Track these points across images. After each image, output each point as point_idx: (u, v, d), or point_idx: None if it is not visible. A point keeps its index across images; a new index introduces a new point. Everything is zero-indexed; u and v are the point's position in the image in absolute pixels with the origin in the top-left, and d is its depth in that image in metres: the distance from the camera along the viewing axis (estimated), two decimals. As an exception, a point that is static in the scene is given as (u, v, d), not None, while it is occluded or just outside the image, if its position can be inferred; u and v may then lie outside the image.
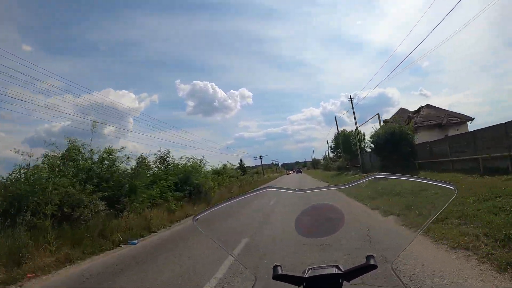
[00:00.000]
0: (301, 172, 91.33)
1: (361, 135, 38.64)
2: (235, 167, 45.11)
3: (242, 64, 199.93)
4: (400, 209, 7.74)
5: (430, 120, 25.86)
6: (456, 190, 0.86)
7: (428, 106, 28.10)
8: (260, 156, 78.93)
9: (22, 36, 73.81)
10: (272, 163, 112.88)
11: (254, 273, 1.03)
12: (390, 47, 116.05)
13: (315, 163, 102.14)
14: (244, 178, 38.78)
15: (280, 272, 0.91)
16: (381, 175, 0.97)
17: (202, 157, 22.18)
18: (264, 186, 1.07)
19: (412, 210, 7.19)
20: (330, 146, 61.14)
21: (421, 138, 21.80)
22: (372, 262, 0.86)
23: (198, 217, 0.94)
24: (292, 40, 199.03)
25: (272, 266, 0.93)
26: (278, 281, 0.90)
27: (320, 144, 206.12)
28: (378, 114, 25.18)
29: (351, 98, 32.78)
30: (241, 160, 70.58)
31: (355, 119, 32.63)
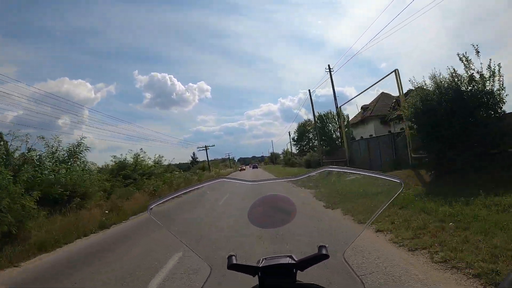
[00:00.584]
0: (257, 167, 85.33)
1: (345, 118, 28.70)
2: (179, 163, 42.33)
3: (202, 57, 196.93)
4: (349, 202, 8.16)
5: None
6: (403, 184, 0.89)
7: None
8: (206, 146, 60.42)
9: None
10: (227, 157, 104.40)
11: (209, 264, 1.03)
12: (349, 47, 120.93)
13: (274, 158, 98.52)
14: (180, 176, 29.28)
15: (234, 261, 0.91)
16: (330, 168, 0.99)
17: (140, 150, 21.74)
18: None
19: (361, 204, 7.62)
20: (293, 138, 55.92)
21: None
22: (324, 252, 0.88)
23: (152, 206, 0.92)
24: (253, 36, 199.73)
25: (227, 256, 0.93)
26: (233, 271, 0.90)
27: (276, 139, 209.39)
28: (396, 70, 15.27)
29: (309, 92, 31.46)
30: (194, 154, 66.26)
31: (312, 110, 31.92)
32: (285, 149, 71.47)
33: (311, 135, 50.26)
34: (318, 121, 34.06)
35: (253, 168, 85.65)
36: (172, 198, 0.98)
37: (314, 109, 33.20)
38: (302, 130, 52.95)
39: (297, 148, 54.69)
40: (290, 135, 58.38)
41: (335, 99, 25.87)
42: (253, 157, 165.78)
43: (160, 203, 0.93)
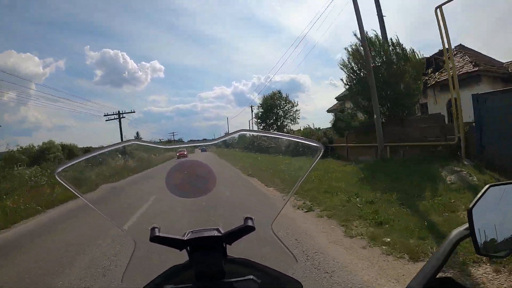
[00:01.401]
0: (205, 151, 78.05)
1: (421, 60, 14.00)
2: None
3: (155, 35, 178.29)
4: (271, 170, 8.50)
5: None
6: (323, 148, 0.87)
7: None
8: (119, 113, 36.54)
9: None
10: (171, 137, 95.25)
11: (132, 237, 0.96)
12: (306, 35, 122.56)
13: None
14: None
15: (157, 233, 0.85)
16: (246, 131, 0.97)
17: None
18: None
19: (283, 171, 8.02)
20: (256, 115, 47.03)
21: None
22: (250, 223, 0.86)
23: (59, 169, 0.80)
24: (208, 16, 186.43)
25: (149, 228, 0.87)
26: (160, 246, 0.85)
27: (232, 121, 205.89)
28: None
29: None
30: (137, 133, 56.26)
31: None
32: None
33: (280, 112, 45.64)
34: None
35: (202, 151, 78.81)
36: (81, 160, 0.87)
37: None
38: (269, 104, 45.70)
39: (262, 127, 46.43)
40: (252, 110, 49.73)
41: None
42: (205, 140, 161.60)
43: (69, 166, 0.82)
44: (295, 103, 46.38)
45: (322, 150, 0.86)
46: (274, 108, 45.90)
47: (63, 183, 0.81)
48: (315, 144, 0.87)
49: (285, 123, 46.01)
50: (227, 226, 0.89)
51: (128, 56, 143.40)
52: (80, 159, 0.85)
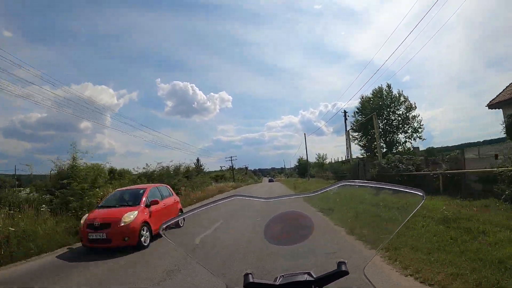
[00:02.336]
0: (273, 181, 79.31)
1: None
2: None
3: (223, 67, 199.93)
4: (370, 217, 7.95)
5: None
6: (424, 196, 0.86)
7: None
8: (231, 158, 68.76)
9: (4, 21, 70.78)
10: (244, 167, 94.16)
11: (225, 282, 1.01)
12: (372, 60, 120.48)
13: (304, 167, 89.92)
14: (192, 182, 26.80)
15: (251, 280, 0.89)
16: (349, 182, 0.96)
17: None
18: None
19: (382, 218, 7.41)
20: (354, 125, 34.13)
21: None
22: (343, 268, 0.86)
23: (164, 226, 0.92)
24: (275, 46, 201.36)
25: (243, 274, 0.91)
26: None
27: (294, 151, 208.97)
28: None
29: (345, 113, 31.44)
30: (198, 160, 53.16)
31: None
32: (319, 155, 66.63)
33: (392, 117, 31.73)
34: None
35: (269, 181, 79.42)
36: (186, 216, 0.99)
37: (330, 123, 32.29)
38: (373, 107, 31.35)
39: (362, 143, 35.27)
40: (345, 115, 33.58)
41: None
42: (272, 169, 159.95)
43: (172, 223, 0.94)
44: (412, 104, 32.39)
45: (424, 199, 0.84)
46: (381, 111, 31.60)
47: (167, 238, 0.92)
48: (418, 193, 0.85)
49: (398, 137, 33.43)
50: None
51: (197, 88, 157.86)
52: (183, 216, 0.96)
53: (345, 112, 34.35)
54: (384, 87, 33.20)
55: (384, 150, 30.87)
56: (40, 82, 32.65)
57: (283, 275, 0.90)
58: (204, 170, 46.16)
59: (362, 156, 33.81)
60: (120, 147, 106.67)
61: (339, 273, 0.86)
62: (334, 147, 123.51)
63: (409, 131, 33.00)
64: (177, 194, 15.85)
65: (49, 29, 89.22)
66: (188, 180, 26.11)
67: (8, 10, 70.21)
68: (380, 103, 32.65)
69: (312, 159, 68.66)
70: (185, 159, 62.97)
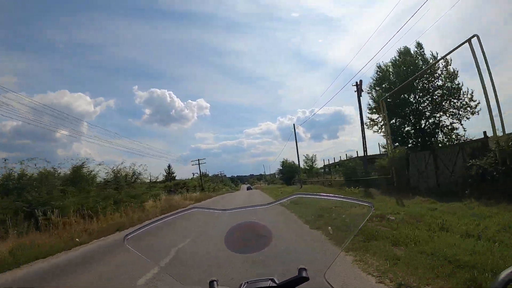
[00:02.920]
0: (251, 189, 73.53)
1: None
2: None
3: (201, 74, 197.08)
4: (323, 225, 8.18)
5: None
6: (373, 207, 0.95)
7: None
8: (198, 160, 55.91)
9: None
10: (219, 174, 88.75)
11: None
12: (349, 66, 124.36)
13: (294, 171, 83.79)
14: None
15: (216, 287, 0.92)
16: (300, 194, 1.05)
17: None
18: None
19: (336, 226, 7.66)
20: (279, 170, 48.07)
21: None
22: (304, 274, 0.91)
23: (128, 237, 0.93)
24: (252, 54, 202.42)
25: (208, 281, 0.94)
26: None
27: (272, 158, 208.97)
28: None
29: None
30: (169, 166, 53.84)
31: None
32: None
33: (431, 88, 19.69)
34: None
35: (247, 189, 72.75)
36: (148, 228, 1.00)
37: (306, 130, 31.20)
38: (404, 70, 20.58)
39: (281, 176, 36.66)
40: (359, 86, 25.53)
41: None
42: (251, 175, 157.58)
43: (137, 233, 0.95)
44: (455, 71, 19.57)
45: (373, 210, 0.93)
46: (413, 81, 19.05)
47: (131, 248, 0.94)
48: (367, 204, 0.94)
49: (442, 118, 20.41)
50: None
51: (175, 95, 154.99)
52: (146, 227, 0.98)
53: (359, 83, 25.49)
54: (413, 48, 21.24)
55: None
56: (15, 90, 29.79)
57: (247, 282, 0.94)
58: (175, 177, 47.06)
59: (384, 149, 22.51)
60: (96, 156, 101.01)
61: (300, 279, 0.90)
62: (314, 152, 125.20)
63: (458, 108, 19.66)
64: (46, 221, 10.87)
65: (25, 37, 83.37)
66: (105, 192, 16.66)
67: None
68: (412, 67, 20.55)
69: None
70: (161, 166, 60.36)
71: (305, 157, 52.65)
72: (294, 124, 43.25)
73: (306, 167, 51.44)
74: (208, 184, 58.21)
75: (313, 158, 52.51)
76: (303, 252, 5.93)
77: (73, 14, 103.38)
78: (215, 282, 0.95)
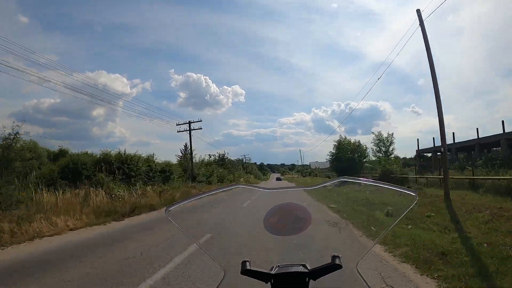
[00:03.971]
0: (280, 180, 70.33)
1: None
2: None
3: (237, 61, 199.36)
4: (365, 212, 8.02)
5: None
6: (417, 196, 0.89)
7: None
8: (189, 122, 29.92)
9: (19, 6, 70.37)
10: (243, 158, 69.77)
11: (223, 267, 1.05)
12: (386, 62, 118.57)
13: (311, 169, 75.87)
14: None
15: (248, 267, 0.93)
16: (346, 178, 1.00)
17: None
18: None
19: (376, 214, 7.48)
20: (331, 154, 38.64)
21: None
22: (337, 262, 0.89)
23: (170, 209, 0.96)
24: (289, 44, 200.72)
25: (240, 261, 0.95)
26: (246, 277, 0.92)
27: (305, 149, 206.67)
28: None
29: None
30: (186, 146, 36.24)
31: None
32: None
33: None
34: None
35: (276, 180, 70.06)
36: (191, 200, 1.01)
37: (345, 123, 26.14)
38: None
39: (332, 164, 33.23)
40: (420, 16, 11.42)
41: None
42: (282, 165, 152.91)
43: (177, 206, 0.97)
44: None
45: (417, 199, 0.87)
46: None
47: (171, 221, 0.96)
48: (411, 193, 0.89)
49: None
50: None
51: (210, 80, 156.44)
52: (188, 200, 1.00)
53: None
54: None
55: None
56: (54, 68, 32.18)
57: (279, 265, 0.94)
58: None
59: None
60: (131, 136, 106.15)
61: (333, 266, 0.89)
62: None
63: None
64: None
65: (64, 18, 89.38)
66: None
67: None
68: None
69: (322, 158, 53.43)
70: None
71: (376, 136, 37.73)
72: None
73: (377, 155, 36.91)
74: (211, 171, 34.93)
75: (390, 139, 36.72)
76: (336, 240, 5.88)
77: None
78: (247, 263, 0.95)
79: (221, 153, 48.55)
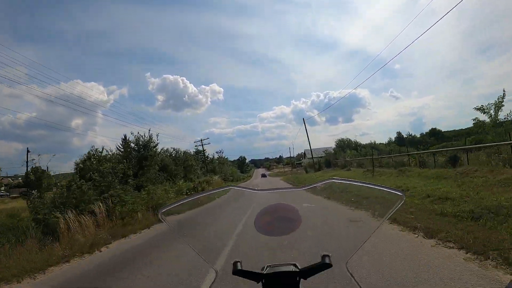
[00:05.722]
0: (266, 176, 59.99)
1: None
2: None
3: (214, 59, 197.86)
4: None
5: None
6: (404, 197, 0.90)
7: None
8: (201, 140, 45.36)
9: None
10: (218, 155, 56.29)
11: (215, 268, 1.05)
12: (363, 48, 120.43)
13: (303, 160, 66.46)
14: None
15: (239, 267, 0.94)
16: (335, 179, 1.01)
17: None
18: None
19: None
20: None
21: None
22: (327, 261, 0.90)
23: (162, 210, 0.96)
24: (264, 38, 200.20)
25: (232, 262, 0.96)
26: (238, 277, 0.93)
27: (288, 142, 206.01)
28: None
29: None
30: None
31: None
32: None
33: None
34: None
35: (262, 177, 60.80)
36: (183, 203, 1.01)
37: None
38: None
39: None
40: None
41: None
42: (266, 159, 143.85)
43: (170, 208, 0.97)
44: None
45: (404, 199, 0.89)
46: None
47: (164, 222, 0.96)
48: (398, 193, 0.90)
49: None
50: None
51: (188, 81, 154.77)
52: (181, 202, 1.00)
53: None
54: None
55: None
56: (27, 81, 30.97)
57: (270, 265, 0.95)
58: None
59: None
60: (112, 144, 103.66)
61: (323, 265, 0.90)
62: (328, 136, 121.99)
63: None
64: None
65: (35, 28, 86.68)
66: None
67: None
68: None
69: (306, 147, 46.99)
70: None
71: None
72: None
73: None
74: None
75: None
76: (326, 239, 5.92)
77: (81, 2, 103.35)
78: (239, 263, 0.96)
79: (200, 149, 46.21)
